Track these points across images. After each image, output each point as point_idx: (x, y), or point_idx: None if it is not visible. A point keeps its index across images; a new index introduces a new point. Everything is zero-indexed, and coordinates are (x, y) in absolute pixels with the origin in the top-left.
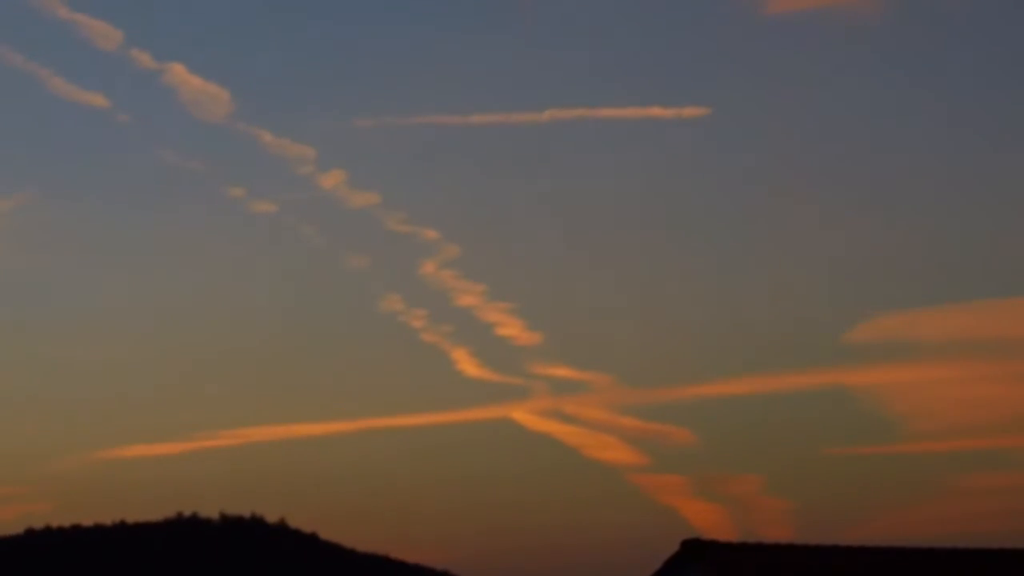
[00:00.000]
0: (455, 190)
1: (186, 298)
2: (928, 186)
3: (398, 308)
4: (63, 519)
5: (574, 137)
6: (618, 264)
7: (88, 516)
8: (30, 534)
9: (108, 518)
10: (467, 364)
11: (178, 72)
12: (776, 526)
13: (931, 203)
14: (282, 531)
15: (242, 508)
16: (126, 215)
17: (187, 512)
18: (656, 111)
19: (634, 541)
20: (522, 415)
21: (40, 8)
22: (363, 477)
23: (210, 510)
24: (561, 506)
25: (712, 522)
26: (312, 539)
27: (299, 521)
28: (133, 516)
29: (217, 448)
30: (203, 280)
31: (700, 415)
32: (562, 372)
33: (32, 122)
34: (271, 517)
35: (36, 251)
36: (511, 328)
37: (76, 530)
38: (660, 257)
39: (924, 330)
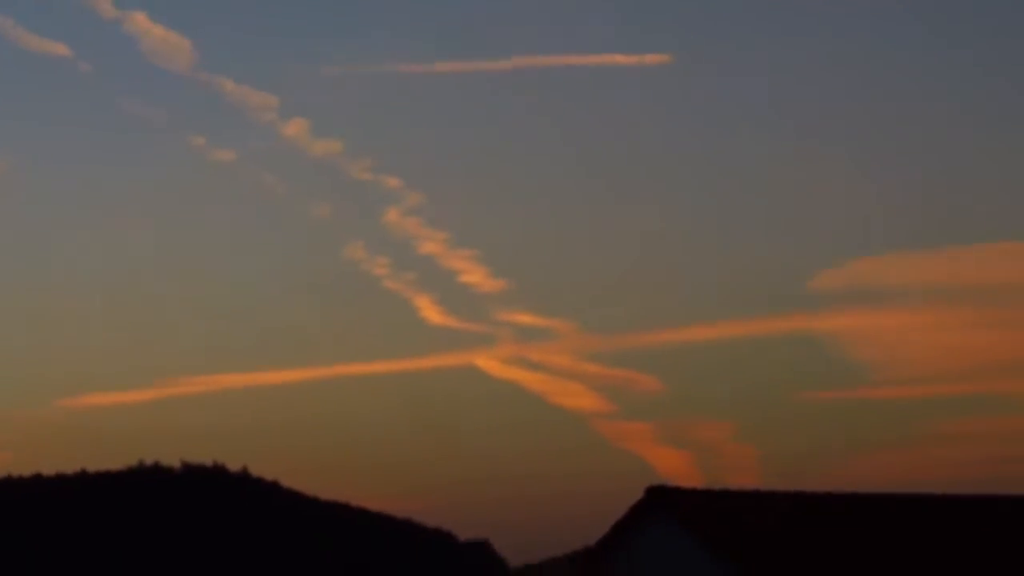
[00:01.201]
0: (419, 138)
1: (148, 247)
2: (900, 127)
3: (361, 256)
4: (24, 468)
5: (538, 85)
6: (582, 211)
7: (50, 465)
8: None
9: (70, 467)
10: (430, 311)
11: (140, 21)
12: (744, 473)
13: (903, 145)
14: (244, 480)
15: (204, 457)
16: (88, 164)
17: (149, 461)
18: (618, 58)
19: (599, 488)
20: (486, 362)
21: None
22: (326, 425)
23: (172, 459)
24: (526, 453)
25: (678, 469)
26: (274, 487)
27: (261, 469)
28: (95, 465)
29: (179, 396)
30: (164, 229)
31: (666, 361)
32: (526, 319)
33: None
34: (233, 466)
35: None
36: (475, 275)
37: (37, 479)
38: (624, 204)
39: (893, 277)
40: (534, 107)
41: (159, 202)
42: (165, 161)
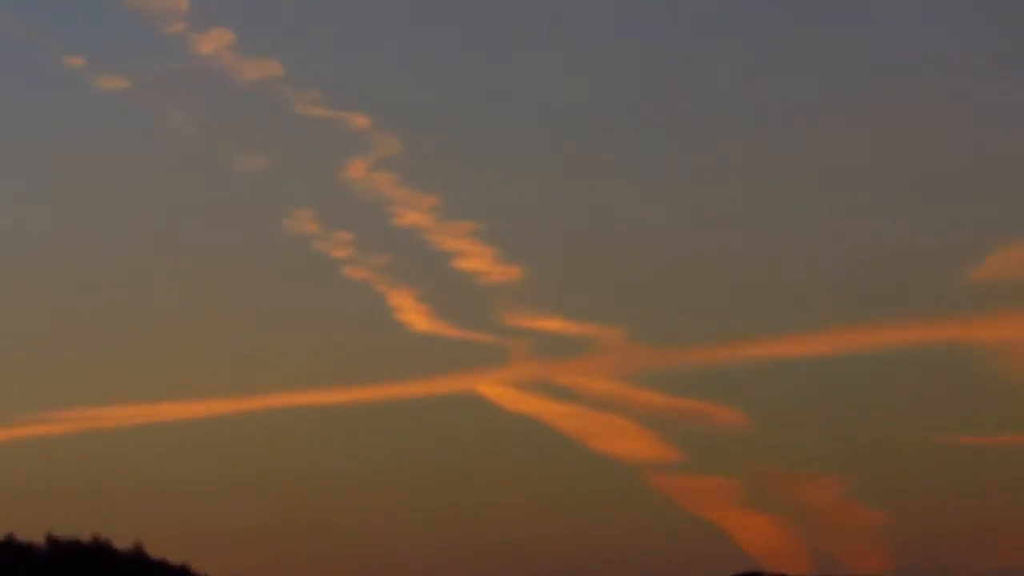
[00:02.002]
0: (394, 57)
1: (2, 216)
2: None
3: (311, 229)
4: None
5: None
6: (632, 168)
7: None
8: None
9: None
10: (413, 312)
11: None
12: (866, 548)
13: None
14: (137, 561)
15: (79, 527)
16: None
17: None
18: None
19: (662, 570)
20: (494, 387)
21: None
22: (259, 480)
23: (33, 530)
24: (553, 520)
25: (772, 543)
26: (181, 573)
27: (162, 547)
28: None
29: (44, 438)
30: (26, 188)
31: (755, 387)
32: (552, 324)
33: None
34: (122, 540)
35: None
36: (477, 259)
37: None
38: (694, 159)
39: None
40: (568, 13)
41: (20, 150)
42: (30, 91)
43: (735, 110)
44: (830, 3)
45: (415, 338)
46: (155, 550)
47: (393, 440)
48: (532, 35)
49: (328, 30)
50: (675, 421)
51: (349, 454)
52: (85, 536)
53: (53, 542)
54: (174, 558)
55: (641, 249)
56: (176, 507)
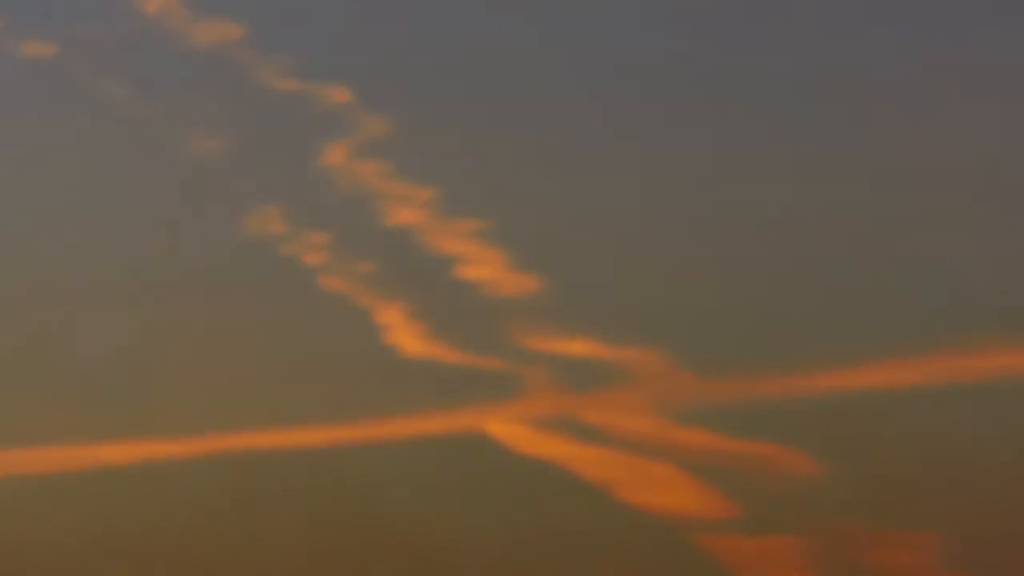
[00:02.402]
0: (380, 18)
1: None
2: None
3: (278, 229)
4: None
5: None
6: (673, 151)
7: None
8: None
9: None
10: (405, 332)
11: None
12: None
13: None
14: None
15: None
16: None
17: None
18: None
19: None
20: (505, 426)
21: None
22: (212, 533)
23: None
24: None
25: None
26: None
27: None
28: None
29: None
30: None
31: (830, 425)
32: (578, 347)
33: None
34: None
35: None
36: (485, 267)
37: None
38: (751, 137)
39: None
40: None
41: None
42: None
43: (811, 106)
44: None
45: (407, 364)
46: None
47: (381, 489)
48: None
49: None
50: (730, 467)
51: (330, 506)
52: None
53: None
54: None
55: (689, 254)
56: (116, 566)
